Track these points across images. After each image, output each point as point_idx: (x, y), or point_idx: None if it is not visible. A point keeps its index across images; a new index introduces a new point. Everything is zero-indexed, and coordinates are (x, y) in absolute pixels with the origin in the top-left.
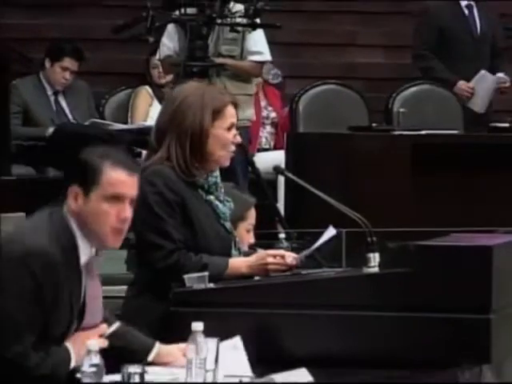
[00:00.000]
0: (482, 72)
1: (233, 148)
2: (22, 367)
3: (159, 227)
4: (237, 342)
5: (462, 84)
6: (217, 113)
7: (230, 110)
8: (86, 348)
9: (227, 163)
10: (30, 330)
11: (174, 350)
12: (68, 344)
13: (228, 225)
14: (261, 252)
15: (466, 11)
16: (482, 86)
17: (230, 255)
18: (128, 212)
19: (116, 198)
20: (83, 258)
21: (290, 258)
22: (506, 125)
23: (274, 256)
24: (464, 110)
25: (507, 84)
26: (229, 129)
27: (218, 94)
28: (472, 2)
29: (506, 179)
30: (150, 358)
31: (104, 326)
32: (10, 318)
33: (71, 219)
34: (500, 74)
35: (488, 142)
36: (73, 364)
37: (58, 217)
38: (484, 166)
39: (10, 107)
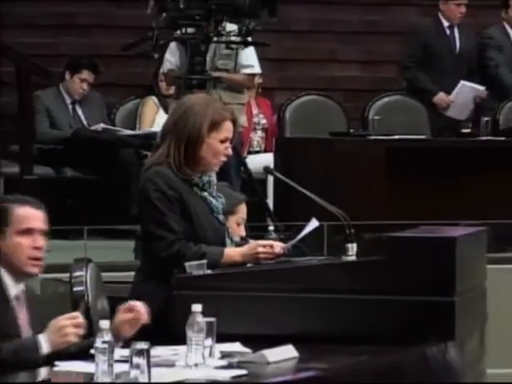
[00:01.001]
0: (462, 83)
1: (223, 158)
2: None
3: (161, 220)
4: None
5: (441, 95)
6: (214, 125)
7: (228, 125)
8: (60, 333)
9: (216, 169)
10: None
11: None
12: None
13: (221, 217)
14: (252, 242)
15: (448, 31)
16: (462, 95)
17: (224, 244)
18: (40, 241)
19: (27, 232)
20: (12, 291)
21: (278, 247)
22: (469, 130)
23: (264, 246)
24: (435, 117)
25: (483, 96)
26: (222, 141)
27: (220, 108)
28: (453, 23)
29: (467, 178)
30: None
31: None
32: None
33: None
34: (479, 86)
35: (452, 146)
36: (44, 348)
37: None
38: (448, 167)
39: (37, 114)
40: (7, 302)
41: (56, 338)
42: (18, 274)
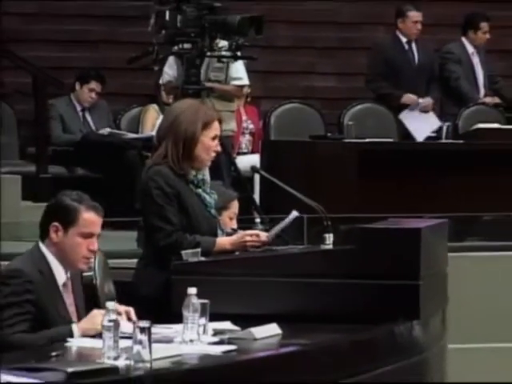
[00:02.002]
0: (403, 114)
1: (213, 154)
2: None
3: (161, 213)
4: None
5: (408, 95)
6: (206, 125)
7: (216, 124)
8: (93, 328)
9: (208, 164)
10: (21, 322)
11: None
12: (74, 326)
13: (213, 211)
14: (240, 232)
15: (406, 46)
16: (411, 120)
17: (216, 234)
18: (95, 245)
19: (88, 235)
20: (60, 280)
21: (264, 236)
22: (432, 134)
23: (251, 235)
24: (401, 123)
25: (429, 105)
26: (213, 138)
27: (208, 110)
28: (411, 39)
29: (431, 177)
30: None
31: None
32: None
33: (48, 250)
34: (421, 100)
35: (417, 148)
36: (76, 335)
37: (35, 250)
38: (414, 167)
39: (51, 120)
40: (57, 289)
41: (88, 326)
42: (69, 267)
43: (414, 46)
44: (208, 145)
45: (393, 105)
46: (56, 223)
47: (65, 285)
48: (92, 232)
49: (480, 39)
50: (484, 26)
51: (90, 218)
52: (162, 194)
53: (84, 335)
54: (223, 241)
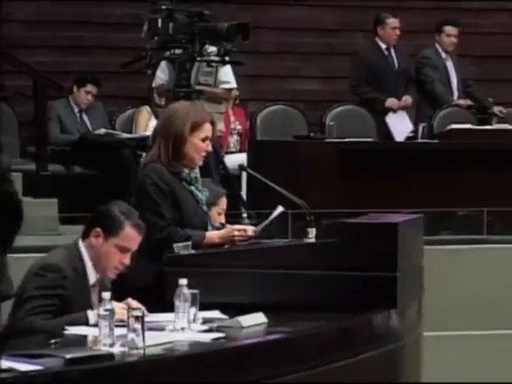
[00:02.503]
0: (388, 117)
1: (204, 154)
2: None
3: (155, 209)
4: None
5: (391, 99)
6: (196, 125)
7: (208, 126)
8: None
9: (200, 163)
10: (45, 313)
11: None
12: (89, 312)
13: (204, 207)
14: (229, 227)
15: (386, 52)
16: (395, 122)
17: (206, 229)
18: (128, 260)
19: (125, 250)
20: (91, 280)
21: (250, 231)
22: (409, 134)
23: (239, 230)
24: (381, 124)
25: (409, 103)
26: (203, 140)
27: (201, 112)
28: (390, 45)
29: (408, 174)
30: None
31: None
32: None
33: (85, 251)
34: (404, 97)
35: (395, 147)
36: (92, 320)
37: (73, 247)
38: (392, 165)
39: (50, 121)
40: (87, 287)
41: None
42: (99, 271)
43: (392, 51)
44: (198, 145)
45: (377, 108)
46: (99, 229)
47: (94, 285)
48: (129, 248)
49: (445, 42)
50: (448, 29)
51: (132, 235)
52: (157, 190)
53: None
54: (212, 234)
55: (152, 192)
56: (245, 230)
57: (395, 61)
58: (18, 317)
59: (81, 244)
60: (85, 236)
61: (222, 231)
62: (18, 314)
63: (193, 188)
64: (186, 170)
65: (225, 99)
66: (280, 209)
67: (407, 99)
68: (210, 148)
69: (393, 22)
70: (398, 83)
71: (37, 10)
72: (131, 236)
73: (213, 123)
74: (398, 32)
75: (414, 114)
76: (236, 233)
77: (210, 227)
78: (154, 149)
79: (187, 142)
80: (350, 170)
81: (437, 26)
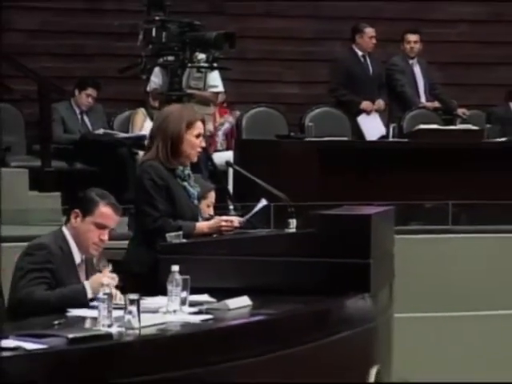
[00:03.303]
0: (360, 117)
1: (199, 149)
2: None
3: (150, 201)
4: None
5: (366, 102)
6: (190, 124)
7: (199, 124)
8: (98, 282)
9: (195, 159)
10: (40, 284)
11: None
12: (85, 282)
13: (195, 201)
14: (217, 218)
15: (362, 59)
16: (366, 123)
17: (197, 220)
18: (106, 236)
19: (101, 227)
20: (77, 259)
21: (236, 221)
22: (383, 133)
23: (226, 221)
24: (355, 124)
25: (382, 106)
26: (197, 136)
27: (192, 112)
28: (366, 53)
29: (380, 170)
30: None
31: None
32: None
33: (68, 232)
34: (377, 101)
35: (368, 146)
36: (89, 293)
37: (58, 231)
38: (366, 162)
39: (53, 122)
40: (73, 266)
41: (94, 285)
42: (82, 250)
43: (368, 58)
44: (193, 142)
45: (352, 110)
46: (77, 210)
47: (79, 265)
48: (105, 224)
49: (407, 49)
50: (409, 37)
51: (106, 212)
52: (153, 185)
53: (93, 291)
54: (202, 225)
55: (148, 186)
56: (231, 221)
57: (370, 67)
58: (16, 291)
59: (64, 228)
60: (67, 221)
61: (211, 222)
62: (16, 289)
63: (186, 184)
64: (181, 167)
65: (213, 102)
66: (263, 202)
67: (380, 102)
68: (203, 143)
69: (370, 31)
70: (372, 87)
71: (41, 20)
72: (106, 214)
73: (203, 121)
74: (374, 41)
75: (386, 116)
76: (223, 223)
77: (200, 218)
78: (152, 149)
79: (184, 141)
80: (327, 167)
81: (401, 34)
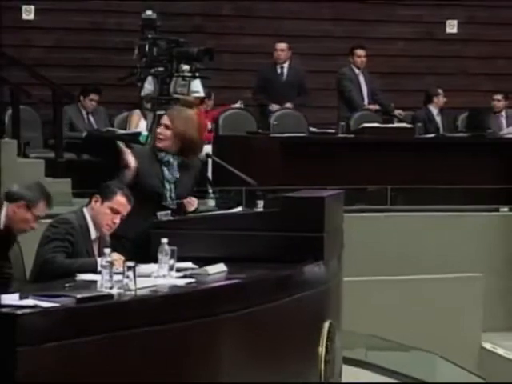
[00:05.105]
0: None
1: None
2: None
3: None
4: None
5: (273, 105)
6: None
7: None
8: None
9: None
10: (61, 252)
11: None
12: (98, 258)
13: (167, 185)
14: (192, 199)
15: (279, 69)
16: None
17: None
18: (117, 220)
19: (115, 211)
20: (93, 235)
21: (195, 202)
22: (332, 131)
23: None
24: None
25: (291, 107)
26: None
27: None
28: (279, 62)
29: (332, 160)
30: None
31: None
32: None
33: (88, 213)
34: (287, 104)
35: (322, 140)
36: (99, 267)
37: (79, 211)
38: (320, 154)
39: (64, 122)
40: (90, 241)
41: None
42: (97, 228)
43: (285, 66)
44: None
45: (264, 110)
46: (98, 196)
47: (94, 241)
48: (119, 210)
49: (356, 62)
50: (358, 52)
51: (122, 201)
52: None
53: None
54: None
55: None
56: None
57: (285, 75)
58: (41, 254)
59: (85, 209)
60: (88, 203)
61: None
62: (41, 253)
63: (164, 168)
64: (162, 154)
65: (195, 105)
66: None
67: (289, 105)
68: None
69: (281, 46)
70: (286, 93)
71: (56, 38)
72: (121, 202)
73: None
74: (286, 53)
75: (335, 117)
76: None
77: (169, 200)
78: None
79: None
80: (288, 157)
81: (350, 50)
